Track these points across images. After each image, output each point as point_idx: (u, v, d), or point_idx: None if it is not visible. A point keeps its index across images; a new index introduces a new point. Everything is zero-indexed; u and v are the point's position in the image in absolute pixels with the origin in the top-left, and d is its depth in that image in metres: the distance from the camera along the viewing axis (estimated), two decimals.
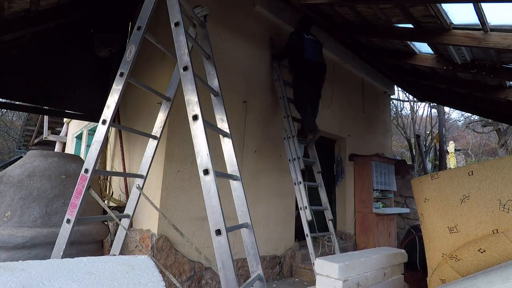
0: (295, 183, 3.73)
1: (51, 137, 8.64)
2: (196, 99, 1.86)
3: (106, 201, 3.77)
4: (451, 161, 10.57)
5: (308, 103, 3.98)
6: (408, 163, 8.94)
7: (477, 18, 3.06)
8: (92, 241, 3.03)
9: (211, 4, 3.48)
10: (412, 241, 3.70)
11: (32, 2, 3.07)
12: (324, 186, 5.64)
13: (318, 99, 4.25)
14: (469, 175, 2.39)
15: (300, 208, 3.61)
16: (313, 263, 3.39)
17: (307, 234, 3.49)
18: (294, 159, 3.79)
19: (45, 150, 4.20)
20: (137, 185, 2.42)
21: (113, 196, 3.89)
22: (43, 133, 9.00)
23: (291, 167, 3.78)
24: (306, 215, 3.49)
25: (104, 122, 2.13)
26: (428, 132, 14.08)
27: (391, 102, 9.27)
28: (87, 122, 6.25)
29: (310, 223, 3.61)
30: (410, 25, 3.78)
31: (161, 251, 2.94)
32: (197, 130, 1.82)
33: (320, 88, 4.21)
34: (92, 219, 2.82)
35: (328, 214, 3.85)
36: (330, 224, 3.89)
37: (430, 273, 2.49)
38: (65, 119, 8.37)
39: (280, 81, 4.15)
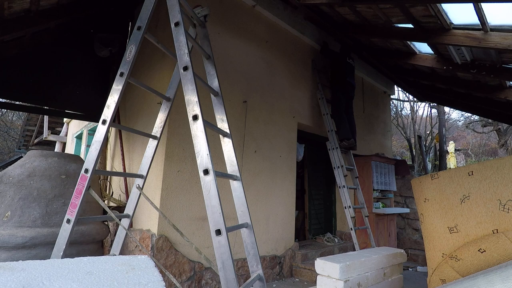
0: (339, 187, 4.37)
1: (51, 137, 8.64)
2: (196, 99, 1.86)
3: (106, 201, 3.77)
4: (451, 161, 10.56)
5: (344, 114, 4.66)
6: (408, 163, 8.94)
7: (477, 18, 3.06)
8: (92, 241, 3.03)
9: (211, 4, 3.49)
10: None
11: (32, 2, 3.07)
12: (325, 186, 5.68)
13: (353, 115, 4.91)
14: (469, 175, 2.39)
15: (345, 207, 4.25)
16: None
17: (351, 228, 4.15)
18: (338, 166, 4.43)
19: (45, 150, 4.20)
20: (137, 185, 2.42)
21: (113, 196, 3.89)
22: (43, 133, 9.01)
23: (336, 173, 4.43)
24: (349, 213, 4.18)
25: (104, 122, 2.12)
26: (428, 132, 14.08)
27: (391, 102, 9.26)
28: (87, 122, 6.25)
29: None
30: (410, 25, 3.78)
31: (161, 251, 2.94)
32: (197, 130, 1.82)
33: (352, 106, 4.95)
34: (92, 219, 2.81)
35: (365, 212, 4.51)
36: (366, 220, 4.51)
37: (430, 273, 2.50)
38: (65, 119, 8.37)
39: (323, 99, 4.82)
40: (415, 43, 4.49)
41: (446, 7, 3.29)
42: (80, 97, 4.31)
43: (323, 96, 4.83)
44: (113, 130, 4.26)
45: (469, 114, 14.30)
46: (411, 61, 4.72)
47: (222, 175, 1.97)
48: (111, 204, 3.75)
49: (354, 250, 5.19)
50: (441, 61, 4.40)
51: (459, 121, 19.14)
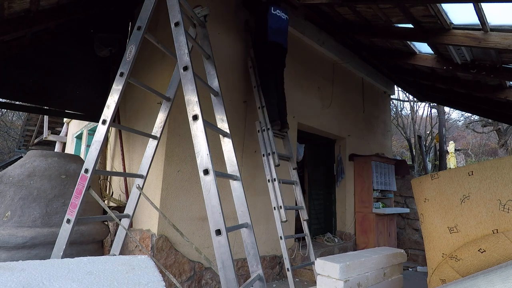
0: (268, 180, 3.40)
1: (51, 137, 8.64)
2: (196, 99, 1.86)
3: (106, 201, 3.77)
4: (451, 161, 10.57)
5: (273, 88, 3.56)
6: (408, 163, 8.95)
7: (477, 18, 3.06)
8: (92, 241, 3.03)
9: (211, 4, 3.49)
10: None
11: (32, 2, 3.07)
12: (325, 186, 5.68)
13: (283, 88, 3.79)
14: (469, 175, 2.39)
15: (274, 208, 3.31)
16: (287, 268, 3.25)
17: (281, 237, 3.25)
18: (269, 154, 3.40)
19: (45, 150, 4.20)
20: (137, 185, 2.42)
21: (113, 196, 3.88)
22: (43, 133, 9.01)
23: (265, 163, 3.43)
24: (280, 216, 3.21)
25: (104, 122, 2.13)
26: (428, 132, 14.09)
27: (391, 102, 9.27)
28: (87, 122, 6.25)
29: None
30: (410, 25, 3.79)
31: (161, 251, 2.94)
32: (197, 130, 1.82)
33: (282, 75, 3.79)
34: (92, 219, 2.82)
35: (304, 214, 3.48)
36: (305, 225, 3.51)
37: (430, 273, 2.50)
38: (65, 119, 8.37)
39: (254, 69, 3.79)
40: (415, 43, 4.49)
41: (446, 7, 3.29)
42: (80, 97, 4.31)
43: (255, 64, 3.79)
44: (113, 130, 4.26)
45: (469, 114, 14.32)
46: (411, 61, 4.72)
47: (222, 175, 1.98)
48: (111, 204, 3.75)
49: (354, 250, 5.20)
50: (441, 61, 4.40)
51: (459, 121, 19.16)
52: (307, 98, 4.89)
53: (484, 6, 2.88)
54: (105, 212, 2.96)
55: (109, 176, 4.17)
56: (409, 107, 14.24)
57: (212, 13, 2.96)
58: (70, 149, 7.87)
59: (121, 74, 2.17)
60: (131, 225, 2.66)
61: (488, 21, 3.10)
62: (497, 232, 2.14)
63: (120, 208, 3.52)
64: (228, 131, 2.26)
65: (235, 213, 2.11)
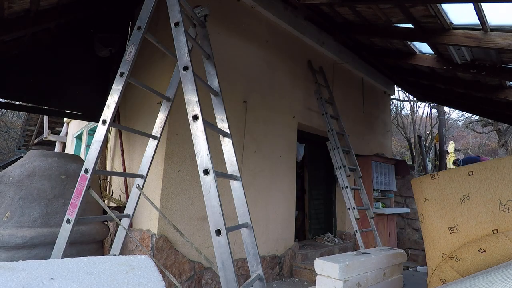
0: (342, 188, 4.22)
1: (51, 137, 8.64)
2: (196, 99, 1.86)
3: (106, 201, 3.76)
4: (451, 161, 10.56)
5: None
6: (408, 163, 8.94)
7: (477, 18, 3.06)
8: (92, 241, 3.03)
9: (211, 4, 3.49)
10: None
11: (32, 2, 3.07)
12: (325, 186, 5.68)
13: None
14: (469, 175, 2.39)
15: (349, 208, 4.15)
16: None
17: (356, 230, 4.03)
18: (340, 167, 4.29)
19: (45, 150, 4.19)
20: (137, 185, 2.42)
21: (113, 196, 3.88)
22: (43, 133, 9.00)
23: (338, 174, 4.31)
24: (354, 214, 4.09)
25: (104, 122, 2.12)
26: (428, 132, 14.08)
27: (391, 102, 9.26)
28: (87, 122, 6.24)
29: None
30: (410, 25, 3.78)
31: (161, 251, 2.94)
32: (197, 130, 1.82)
33: None
34: (92, 219, 2.82)
35: (370, 213, 4.37)
36: (371, 222, 4.33)
37: (430, 273, 2.50)
38: (65, 119, 8.37)
39: (321, 99, 4.69)
40: (415, 43, 4.49)
41: (446, 7, 3.29)
42: (80, 97, 4.31)
43: (321, 96, 4.74)
44: (113, 130, 4.26)
45: (469, 114, 14.31)
46: (411, 61, 4.72)
47: (222, 175, 1.98)
48: (111, 204, 3.75)
49: (354, 250, 5.19)
50: (441, 61, 4.40)
51: (459, 121, 19.13)
52: (307, 98, 4.89)
53: (484, 6, 2.88)
54: (105, 212, 2.96)
55: (109, 176, 4.17)
56: (409, 107, 14.23)
57: (212, 12, 2.96)
58: (70, 149, 7.86)
59: (121, 74, 2.17)
60: (131, 225, 2.66)
61: (488, 21, 3.10)
62: (497, 232, 2.15)
63: (120, 208, 3.52)
64: (228, 131, 2.26)
65: (235, 213, 2.11)
